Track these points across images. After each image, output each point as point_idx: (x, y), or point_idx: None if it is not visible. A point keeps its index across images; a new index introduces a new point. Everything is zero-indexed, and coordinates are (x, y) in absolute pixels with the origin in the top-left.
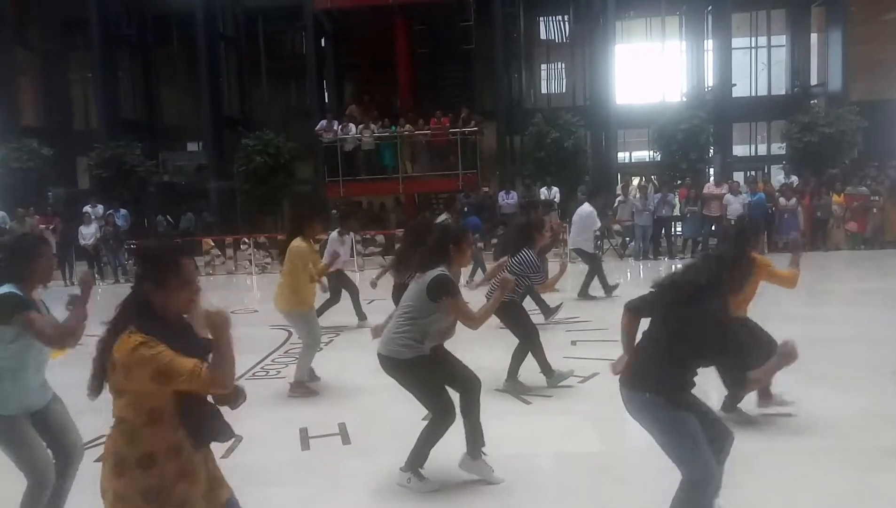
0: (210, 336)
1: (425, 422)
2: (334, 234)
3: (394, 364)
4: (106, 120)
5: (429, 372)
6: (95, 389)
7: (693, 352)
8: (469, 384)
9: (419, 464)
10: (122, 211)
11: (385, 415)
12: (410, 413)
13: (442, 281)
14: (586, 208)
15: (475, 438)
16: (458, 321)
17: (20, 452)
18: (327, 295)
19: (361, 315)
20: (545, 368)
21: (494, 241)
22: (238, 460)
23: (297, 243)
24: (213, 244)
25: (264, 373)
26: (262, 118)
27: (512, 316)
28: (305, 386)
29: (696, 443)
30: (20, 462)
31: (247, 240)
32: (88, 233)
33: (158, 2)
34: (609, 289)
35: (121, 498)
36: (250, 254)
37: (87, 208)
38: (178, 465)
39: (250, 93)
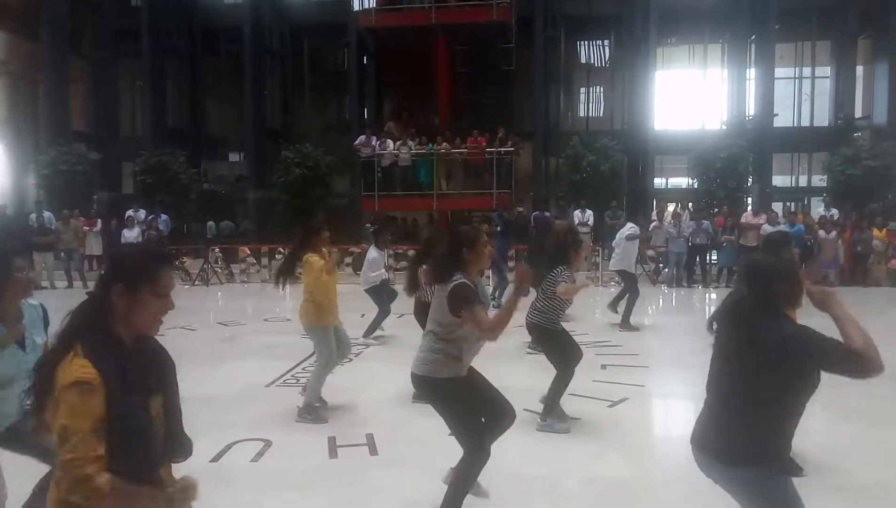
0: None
1: (452, 437)
2: (375, 254)
3: (427, 384)
4: (152, 128)
5: (464, 396)
6: (36, 410)
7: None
8: (501, 411)
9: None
10: (164, 216)
11: (413, 428)
12: (438, 427)
13: (457, 292)
14: (629, 227)
15: (456, 498)
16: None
17: None
18: (364, 316)
19: (370, 333)
20: (552, 404)
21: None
22: (266, 464)
23: (310, 257)
24: (248, 252)
25: (295, 380)
26: (303, 131)
27: (547, 342)
28: (316, 412)
29: None
30: None
31: (282, 250)
32: (131, 236)
33: (208, 15)
34: (627, 325)
35: None
36: None
37: (130, 213)
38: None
39: (292, 106)
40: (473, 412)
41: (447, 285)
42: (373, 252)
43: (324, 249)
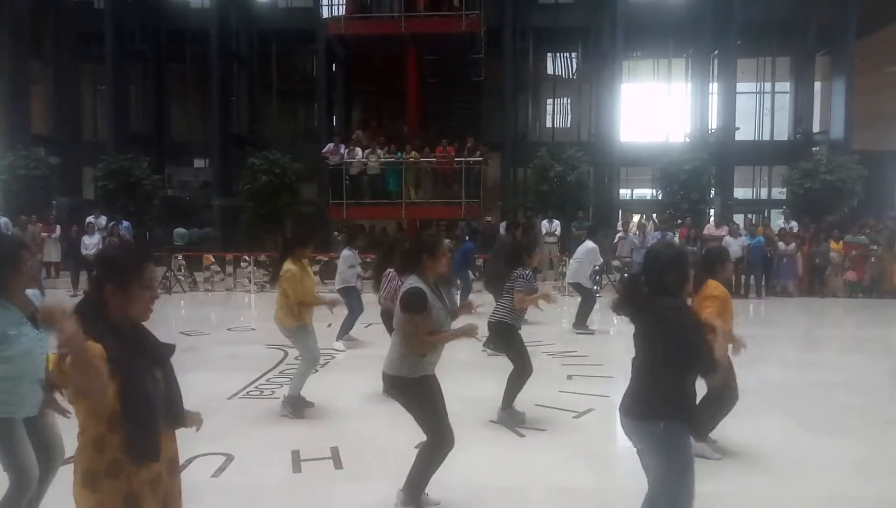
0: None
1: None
2: (348, 252)
3: (400, 384)
4: (115, 132)
5: (433, 393)
6: (49, 387)
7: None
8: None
9: (420, 493)
10: (126, 223)
11: (378, 440)
12: (404, 439)
13: (407, 294)
14: (589, 244)
15: (421, 482)
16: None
17: (12, 455)
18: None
19: (342, 335)
20: (508, 400)
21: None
22: (228, 479)
23: (288, 265)
24: (213, 260)
25: (258, 392)
26: (270, 138)
27: (509, 340)
28: (297, 406)
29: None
30: (8, 464)
31: (247, 258)
32: (91, 243)
33: (173, 19)
34: (582, 327)
35: None
36: (250, 272)
37: (91, 219)
38: (147, 473)
39: (259, 112)
40: (439, 405)
41: (403, 287)
42: (347, 252)
43: (304, 260)
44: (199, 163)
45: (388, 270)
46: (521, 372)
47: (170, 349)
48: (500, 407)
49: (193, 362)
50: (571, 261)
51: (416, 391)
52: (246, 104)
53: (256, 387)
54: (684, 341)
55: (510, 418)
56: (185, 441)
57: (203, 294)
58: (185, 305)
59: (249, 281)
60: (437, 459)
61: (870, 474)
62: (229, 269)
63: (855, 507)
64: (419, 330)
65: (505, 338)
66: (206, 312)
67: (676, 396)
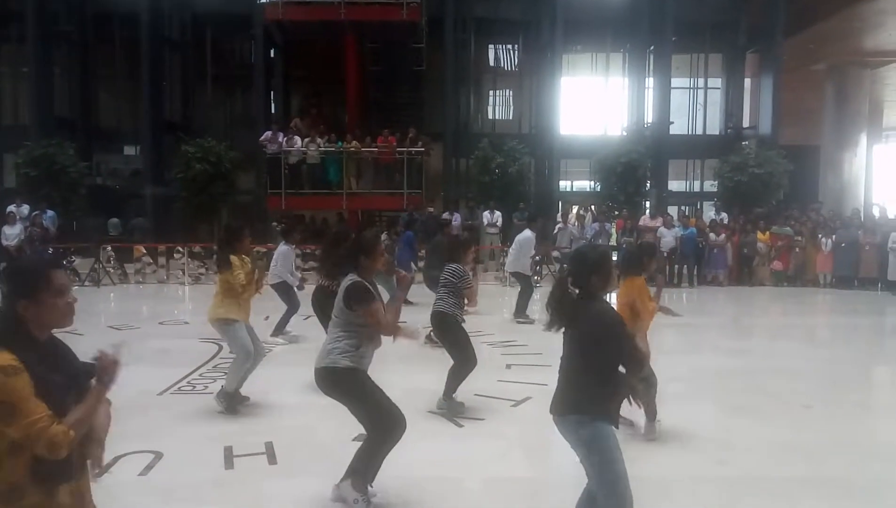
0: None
1: (357, 442)
2: (285, 247)
3: (331, 376)
4: (37, 117)
5: (369, 384)
6: None
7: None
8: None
9: (368, 482)
10: (50, 212)
11: (315, 435)
12: (340, 434)
13: (354, 288)
14: (526, 233)
15: (368, 472)
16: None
17: None
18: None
19: (278, 331)
20: (449, 390)
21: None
22: (156, 478)
23: (233, 258)
24: (144, 251)
25: (191, 387)
26: (205, 125)
27: (451, 333)
28: (231, 402)
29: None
30: None
31: (181, 249)
32: (12, 234)
33: (99, 0)
34: (523, 316)
35: None
36: (184, 263)
37: (12, 208)
38: (46, 500)
39: (193, 99)
40: (375, 393)
41: (343, 282)
42: (283, 247)
43: (243, 255)
44: (129, 150)
45: None
46: (465, 364)
47: (89, 368)
48: (440, 398)
49: (122, 357)
50: (510, 250)
51: (345, 382)
52: (179, 90)
53: (188, 382)
54: (613, 344)
55: (450, 408)
56: (111, 441)
57: (134, 287)
58: (115, 298)
59: (183, 273)
60: (388, 445)
61: (791, 455)
62: (162, 260)
63: (779, 486)
64: (380, 318)
65: (446, 329)
66: (136, 305)
67: (602, 393)
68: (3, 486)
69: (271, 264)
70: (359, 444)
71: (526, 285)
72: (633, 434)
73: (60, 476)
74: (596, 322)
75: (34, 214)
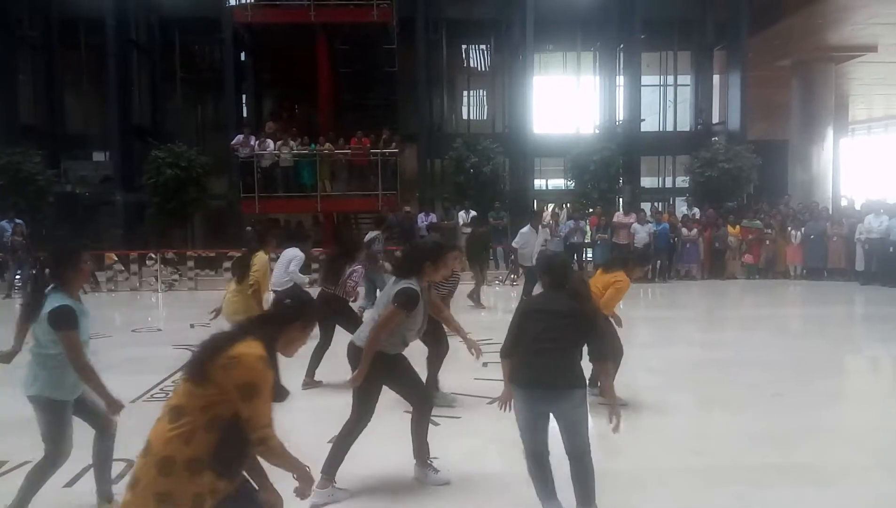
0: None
1: (330, 444)
2: (296, 251)
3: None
4: (3, 124)
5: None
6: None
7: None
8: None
9: (335, 468)
10: (17, 221)
11: (295, 436)
12: (320, 434)
13: (405, 295)
14: (525, 229)
15: (335, 463)
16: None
17: (57, 431)
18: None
19: None
20: (434, 384)
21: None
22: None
23: (262, 255)
24: (115, 259)
25: (164, 395)
26: (175, 130)
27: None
28: None
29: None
30: (51, 439)
31: (153, 255)
32: None
33: (64, 5)
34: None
35: (163, 497)
36: (156, 270)
37: None
38: (215, 483)
39: (163, 103)
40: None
41: (399, 284)
42: (295, 250)
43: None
44: (98, 156)
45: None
46: (437, 352)
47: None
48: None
49: (94, 366)
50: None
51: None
52: (148, 94)
53: (161, 389)
54: (596, 330)
55: (441, 400)
56: (77, 452)
57: (106, 295)
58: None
59: (156, 280)
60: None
61: (763, 443)
62: (134, 268)
63: (752, 474)
64: (389, 325)
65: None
66: (108, 313)
67: (581, 369)
68: (189, 456)
69: (277, 267)
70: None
71: (530, 277)
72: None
73: (229, 472)
74: (583, 311)
75: (16, 223)
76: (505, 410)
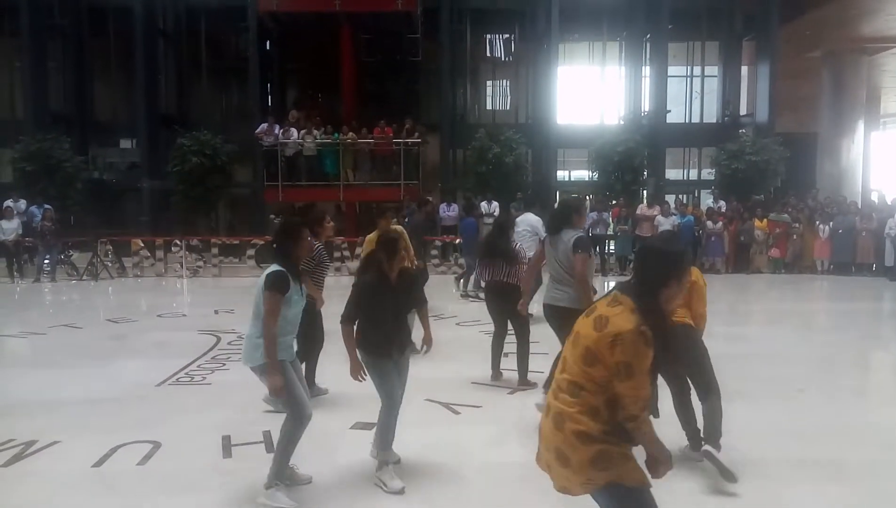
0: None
1: (354, 431)
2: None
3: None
4: (33, 111)
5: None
6: None
7: None
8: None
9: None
10: (47, 207)
11: (312, 422)
12: (340, 420)
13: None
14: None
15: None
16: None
17: (290, 390)
18: None
19: None
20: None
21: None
22: (153, 467)
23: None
24: (142, 245)
25: (189, 379)
26: (200, 118)
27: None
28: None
29: None
30: (287, 399)
31: (178, 242)
32: (10, 228)
33: None
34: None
35: (595, 461)
36: (181, 256)
37: (9, 203)
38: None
39: (189, 91)
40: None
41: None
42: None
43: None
44: (125, 144)
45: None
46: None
47: None
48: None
49: (121, 350)
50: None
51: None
52: (174, 82)
53: (187, 373)
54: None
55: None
56: (107, 432)
57: (132, 280)
58: (113, 292)
59: (181, 266)
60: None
61: (784, 438)
62: (159, 254)
63: (773, 469)
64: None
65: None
66: (135, 298)
67: None
68: (601, 428)
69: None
70: (356, 432)
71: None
72: None
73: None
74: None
75: (45, 208)
76: None
